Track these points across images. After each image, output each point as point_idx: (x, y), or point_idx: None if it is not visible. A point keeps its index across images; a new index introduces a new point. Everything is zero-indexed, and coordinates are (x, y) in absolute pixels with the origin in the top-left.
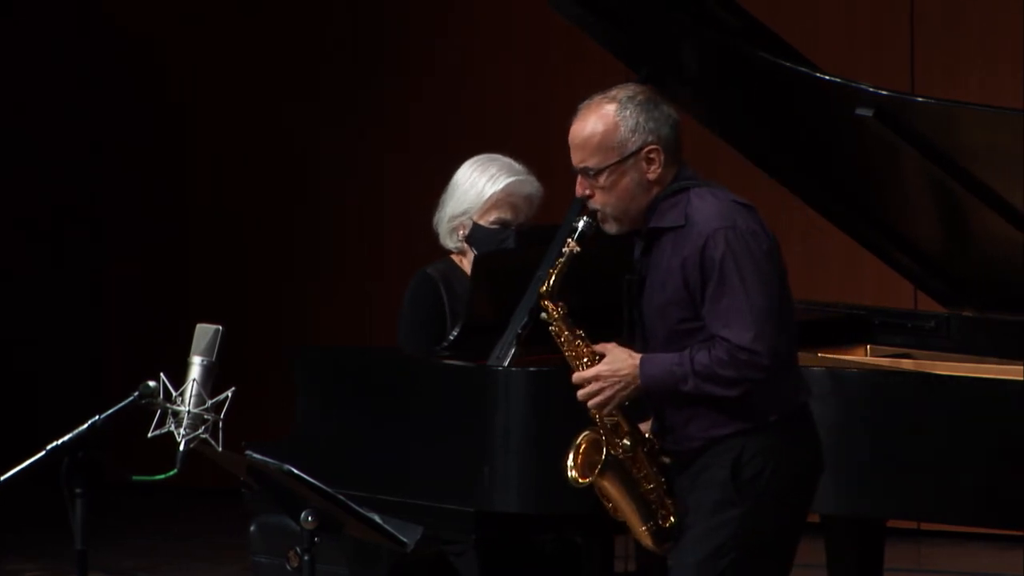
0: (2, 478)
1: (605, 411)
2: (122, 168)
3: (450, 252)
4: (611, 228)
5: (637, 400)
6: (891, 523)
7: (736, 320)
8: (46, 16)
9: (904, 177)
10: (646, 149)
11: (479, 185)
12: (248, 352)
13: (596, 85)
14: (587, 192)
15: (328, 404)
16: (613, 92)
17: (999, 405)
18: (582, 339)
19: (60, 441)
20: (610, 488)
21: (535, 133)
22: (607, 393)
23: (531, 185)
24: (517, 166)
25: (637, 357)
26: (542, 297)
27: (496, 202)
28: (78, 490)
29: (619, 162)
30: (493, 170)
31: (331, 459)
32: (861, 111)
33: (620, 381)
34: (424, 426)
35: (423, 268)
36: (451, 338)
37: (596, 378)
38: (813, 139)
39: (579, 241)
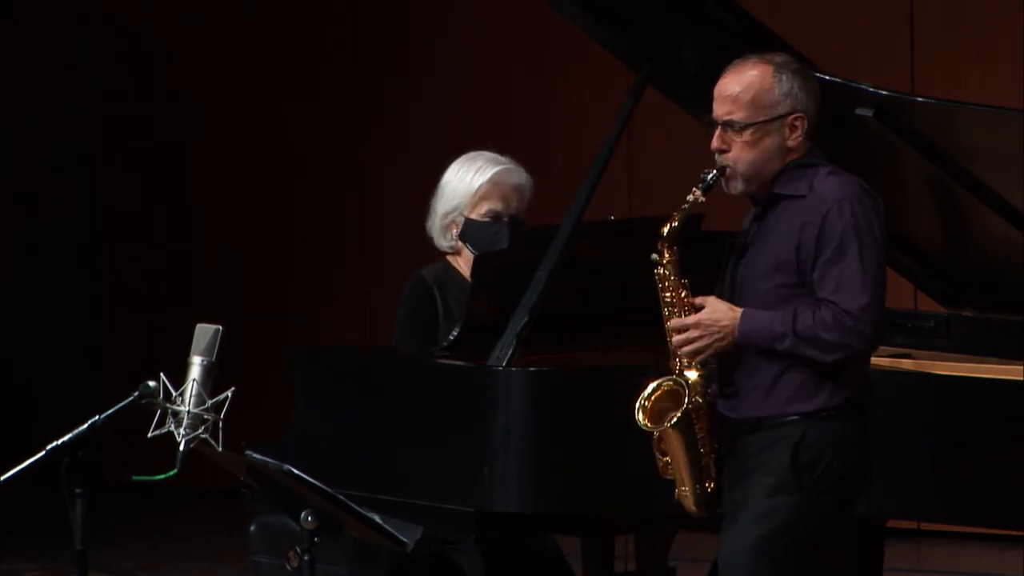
0: (2, 478)
1: (697, 360)
2: (122, 168)
3: (445, 253)
4: (735, 187)
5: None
6: (891, 523)
7: (849, 286)
8: (46, 16)
9: (904, 177)
10: (793, 116)
11: (467, 179)
12: (248, 352)
13: (596, 85)
14: (724, 146)
15: (328, 404)
16: (769, 56)
17: (999, 405)
18: (685, 288)
19: (60, 441)
20: (674, 442)
21: (535, 133)
22: (704, 342)
23: (519, 175)
24: (503, 158)
25: (738, 311)
26: (660, 239)
27: (485, 193)
28: (78, 490)
29: (767, 121)
30: (480, 163)
31: (331, 459)
32: (861, 111)
33: (719, 332)
34: (424, 426)
35: (418, 270)
36: (451, 338)
37: (696, 325)
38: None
39: (704, 192)
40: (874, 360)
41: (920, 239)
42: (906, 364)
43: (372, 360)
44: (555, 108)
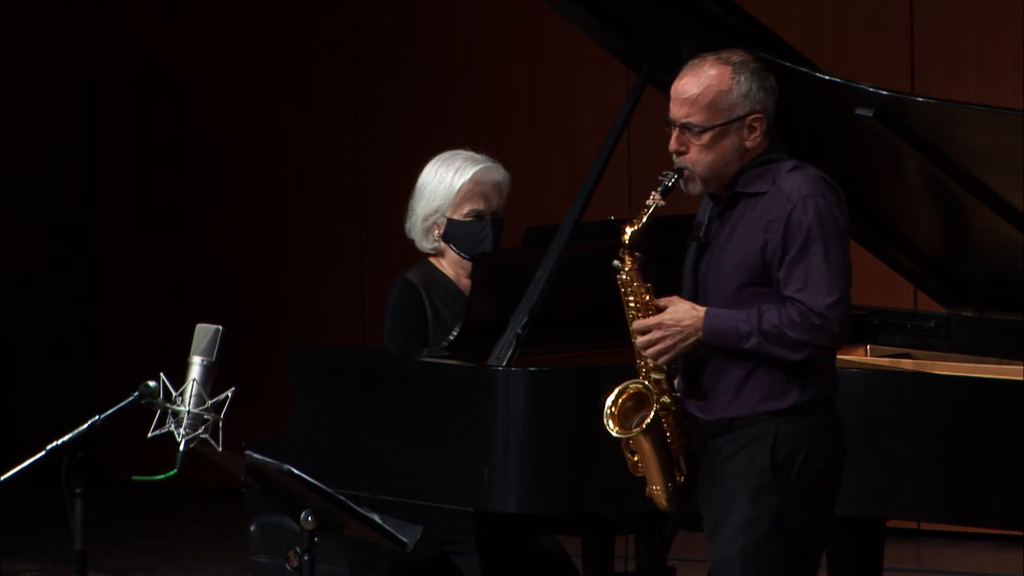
0: (2, 478)
1: (662, 360)
2: (121, 167)
3: (427, 255)
4: (695, 188)
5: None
6: (891, 523)
7: (815, 284)
8: (46, 16)
9: (904, 177)
10: (752, 116)
11: (447, 180)
12: (248, 352)
13: (596, 85)
14: (681, 148)
15: (327, 404)
16: (725, 55)
17: (999, 405)
18: (649, 291)
19: (60, 441)
20: (645, 444)
21: (535, 133)
22: (667, 343)
23: (498, 172)
24: (480, 156)
25: (701, 310)
26: (622, 246)
27: (466, 194)
28: (78, 490)
29: (725, 124)
30: (458, 163)
31: (331, 459)
32: (861, 111)
33: (682, 331)
34: (424, 426)
35: (403, 274)
36: (451, 338)
37: (659, 326)
38: (813, 139)
39: (664, 195)
40: (874, 360)
41: (920, 239)
42: (906, 364)
43: (372, 360)
44: (554, 108)
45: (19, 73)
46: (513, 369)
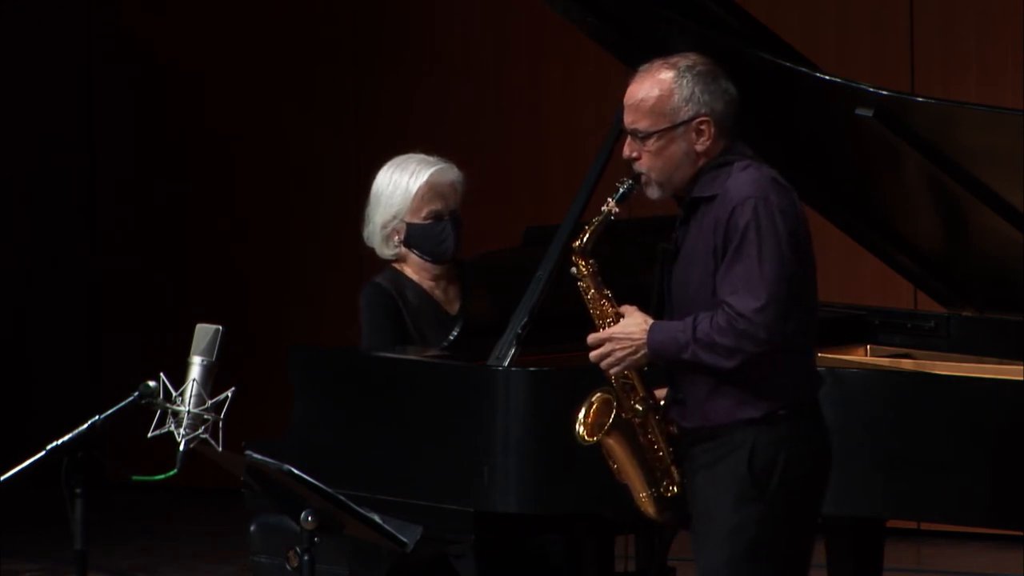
0: (2, 478)
1: (612, 372)
2: (122, 167)
3: (390, 261)
4: (653, 193)
5: (657, 367)
6: (891, 523)
7: (745, 288)
8: (47, 17)
9: (904, 177)
10: (697, 120)
11: (403, 184)
12: (248, 352)
13: (596, 85)
14: (634, 154)
15: (327, 404)
16: (674, 59)
17: (999, 405)
18: (608, 299)
19: (60, 441)
20: (616, 449)
21: (535, 133)
22: (617, 355)
23: (452, 172)
24: (431, 158)
25: (650, 322)
26: (574, 252)
27: (423, 196)
28: (78, 490)
29: (669, 129)
30: (412, 166)
31: (331, 459)
32: (861, 111)
33: (631, 345)
34: (424, 426)
35: (374, 281)
36: (451, 338)
37: (609, 339)
38: (813, 139)
39: (619, 202)
40: (874, 360)
41: (920, 239)
42: (906, 364)
43: (372, 360)
44: (554, 108)
45: (19, 73)
46: (513, 369)
